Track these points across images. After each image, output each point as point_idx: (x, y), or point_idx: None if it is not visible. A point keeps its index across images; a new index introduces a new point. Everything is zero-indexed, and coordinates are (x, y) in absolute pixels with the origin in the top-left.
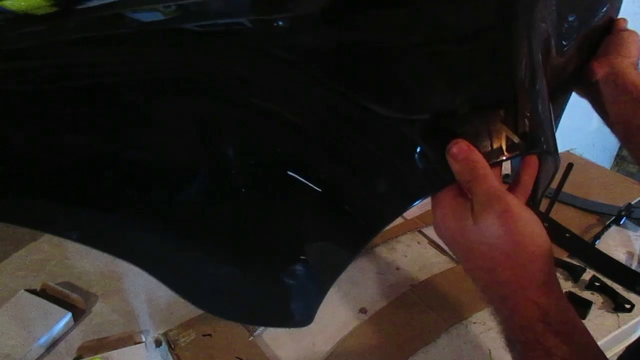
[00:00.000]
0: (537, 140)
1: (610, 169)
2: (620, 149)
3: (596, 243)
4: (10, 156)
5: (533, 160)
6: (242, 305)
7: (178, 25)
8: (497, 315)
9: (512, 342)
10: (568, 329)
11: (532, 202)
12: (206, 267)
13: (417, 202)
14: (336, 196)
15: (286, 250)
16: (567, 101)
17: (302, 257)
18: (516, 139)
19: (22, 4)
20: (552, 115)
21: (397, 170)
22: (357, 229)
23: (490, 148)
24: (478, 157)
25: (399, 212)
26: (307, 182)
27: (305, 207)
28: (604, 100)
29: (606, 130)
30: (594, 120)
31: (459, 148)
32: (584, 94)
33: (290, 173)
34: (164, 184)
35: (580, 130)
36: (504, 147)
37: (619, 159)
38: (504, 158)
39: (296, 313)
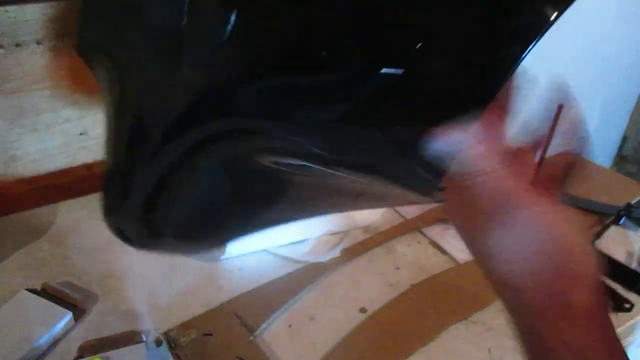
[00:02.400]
0: None
1: (610, 168)
2: (620, 148)
3: (596, 243)
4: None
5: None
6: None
7: None
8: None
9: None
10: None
11: None
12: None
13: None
14: None
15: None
16: None
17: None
18: None
19: None
20: None
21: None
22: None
23: None
24: (476, 150)
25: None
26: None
27: None
28: None
29: (606, 130)
30: (594, 120)
31: (438, 143)
32: None
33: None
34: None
35: None
36: None
37: (618, 159)
38: None
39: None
